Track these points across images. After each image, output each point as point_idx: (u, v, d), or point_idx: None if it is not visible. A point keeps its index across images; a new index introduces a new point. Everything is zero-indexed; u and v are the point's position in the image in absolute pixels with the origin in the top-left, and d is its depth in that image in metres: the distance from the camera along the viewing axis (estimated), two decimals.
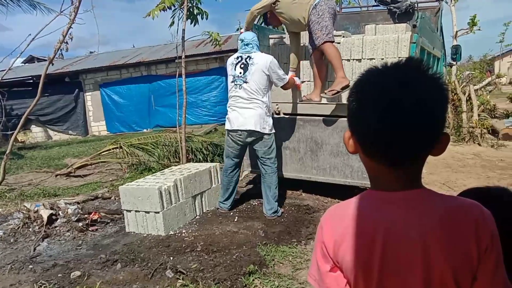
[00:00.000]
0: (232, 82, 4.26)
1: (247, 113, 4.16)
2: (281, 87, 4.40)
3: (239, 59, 4.26)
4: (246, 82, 4.16)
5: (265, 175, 4.35)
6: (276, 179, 4.35)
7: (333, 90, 4.30)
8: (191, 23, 5.84)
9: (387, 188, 0.94)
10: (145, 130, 14.30)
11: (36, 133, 15.43)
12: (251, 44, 4.27)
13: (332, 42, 4.35)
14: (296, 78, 4.69)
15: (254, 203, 4.80)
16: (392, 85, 0.88)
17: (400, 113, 0.85)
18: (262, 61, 4.17)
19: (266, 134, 4.23)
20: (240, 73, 4.20)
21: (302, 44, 5.13)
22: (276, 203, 4.36)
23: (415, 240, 0.88)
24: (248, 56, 4.22)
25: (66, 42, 5.45)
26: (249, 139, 4.25)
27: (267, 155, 4.30)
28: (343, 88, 4.26)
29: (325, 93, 4.39)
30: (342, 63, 4.41)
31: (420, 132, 0.87)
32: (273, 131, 4.32)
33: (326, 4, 4.37)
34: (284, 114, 4.91)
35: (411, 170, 0.93)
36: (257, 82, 4.15)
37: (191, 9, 5.75)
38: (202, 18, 5.89)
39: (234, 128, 4.24)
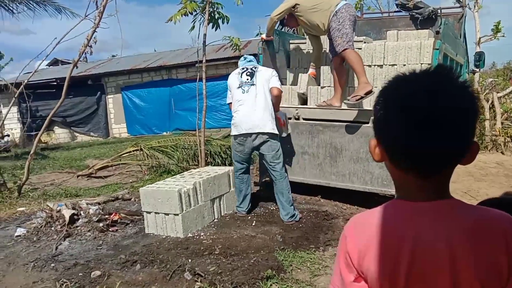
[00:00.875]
0: (238, 88, 4.32)
1: (254, 115, 4.20)
2: (273, 98, 4.33)
3: (244, 69, 4.39)
4: (253, 85, 4.26)
5: (276, 182, 4.34)
6: (287, 184, 4.36)
7: (357, 95, 4.28)
8: (212, 27, 5.89)
9: (415, 198, 0.92)
10: (165, 133, 14.45)
11: (59, 134, 15.76)
12: (253, 61, 4.52)
13: (353, 49, 4.36)
14: (281, 113, 4.62)
15: (271, 208, 4.79)
16: (421, 94, 0.85)
17: (430, 125, 0.83)
18: (267, 71, 4.40)
19: (275, 134, 4.26)
20: (247, 79, 4.31)
21: (323, 48, 5.15)
22: (292, 207, 4.36)
23: (443, 252, 0.86)
24: (254, 66, 4.40)
25: (90, 46, 5.56)
26: (256, 142, 4.25)
27: (276, 160, 4.30)
28: (367, 94, 4.25)
29: (349, 99, 4.39)
30: (364, 68, 4.39)
31: (450, 143, 0.85)
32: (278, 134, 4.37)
33: (346, 11, 4.38)
34: (304, 119, 4.90)
35: (440, 180, 0.91)
36: (264, 87, 4.26)
37: (212, 14, 5.80)
38: (223, 23, 5.94)
39: (242, 133, 4.25)
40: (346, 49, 4.30)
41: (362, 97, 4.28)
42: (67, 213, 4.35)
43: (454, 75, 0.89)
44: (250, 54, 4.89)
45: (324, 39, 5.08)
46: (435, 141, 0.84)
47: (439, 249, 0.86)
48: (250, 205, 4.62)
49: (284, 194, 4.30)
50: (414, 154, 0.87)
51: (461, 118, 0.85)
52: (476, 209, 0.93)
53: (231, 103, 4.47)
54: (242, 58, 4.58)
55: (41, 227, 4.33)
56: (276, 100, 4.38)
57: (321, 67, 5.07)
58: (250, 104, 4.22)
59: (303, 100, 5.18)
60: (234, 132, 4.34)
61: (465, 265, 0.85)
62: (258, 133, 4.20)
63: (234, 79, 4.40)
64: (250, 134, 4.22)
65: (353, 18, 4.44)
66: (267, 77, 4.30)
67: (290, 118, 4.90)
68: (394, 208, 0.96)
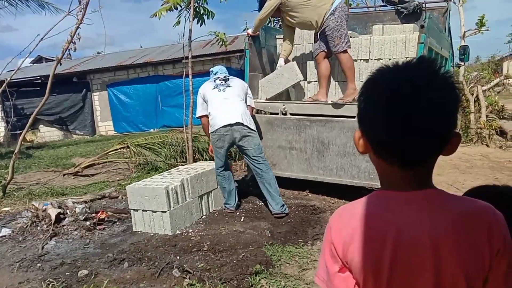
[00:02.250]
0: (213, 89, 4.38)
1: (232, 109, 4.25)
2: (249, 109, 4.49)
3: (216, 78, 4.50)
4: (229, 86, 4.37)
5: (261, 174, 4.33)
6: (273, 174, 4.40)
7: (345, 100, 4.36)
8: (197, 23, 5.86)
9: (398, 188, 0.93)
10: (152, 130, 14.35)
11: (44, 133, 15.54)
12: (219, 72, 4.60)
13: (349, 50, 4.46)
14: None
15: (260, 203, 4.80)
16: (403, 86, 0.86)
17: (412, 116, 0.84)
18: (240, 80, 4.55)
19: (253, 130, 4.30)
20: (221, 82, 4.41)
21: (302, 45, 5.17)
22: (281, 197, 4.38)
23: (427, 241, 0.87)
24: (225, 75, 4.51)
25: (74, 42, 5.48)
26: (236, 135, 4.24)
27: (258, 153, 4.32)
28: (354, 101, 4.30)
29: (337, 101, 4.47)
30: (355, 74, 4.47)
31: (432, 134, 0.86)
32: (256, 131, 4.42)
33: (343, 10, 4.42)
34: (291, 114, 4.91)
35: (423, 170, 0.92)
36: (239, 89, 4.38)
37: (197, 9, 5.76)
38: (208, 18, 5.91)
39: (223, 125, 4.20)
40: (345, 50, 4.37)
41: (349, 103, 4.37)
42: (53, 212, 4.30)
43: (436, 67, 0.89)
44: (237, 50, 4.89)
45: (300, 32, 5.08)
46: (417, 133, 0.85)
47: (423, 238, 0.87)
48: (237, 200, 4.61)
49: (272, 185, 4.31)
50: (397, 145, 0.88)
51: (443, 109, 0.86)
52: (460, 199, 0.94)
53: (205, 115, 4.41)
54: (214, 69, 4.68)
55: (26, 227, 4.27)
56: (252, 111, 4.68)
57: (307, 62, 5.07)
58: (229, 100, 4.29)
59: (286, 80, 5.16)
60: (214, 127, 4.27)
61: (449, 255, 0.86)
62: (236, 124, 4.19)
63: (207, 85, 4.49)
64: (231, 125, 4.20)
65: (347, 17, 4.53)
66: (242, 86, 4.47)
67: (277, 113, 4.91)
68: (378, 199, 0.97)
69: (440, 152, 0.90)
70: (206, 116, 4.39)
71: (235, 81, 4.48)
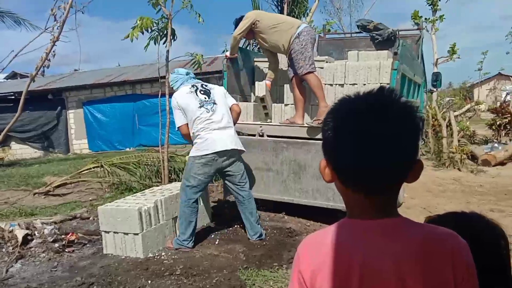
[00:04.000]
0: (200, 107, 3.98)
1: (227, 133, 4.03)
2: (235, 114, 4.27)
3: (194, 87, 4.10)
4: (215, 104, 4.04)
5: (244, 202, 4.19)
6: (254, 203, 4.29)
7: (318, 119, 4.41)
8: (163, 44, 5.90)
9: (363, 216, 0.94)
10: (128, 149, 14.15)
11: (16, 150, 15.12)
12: (189, 78, 4.21)
13: (314, 72, 4.48)
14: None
15: (235, 226, 4.74)
16: (363, 115, 0.88)
17: (373, 145, 0.86)
18: (219, 88, 4.26)
19: (242, 152, 4.18)
20: (205, 98, 4.04)
21: (278, 62, 5.23)
22: (260, 226, 4.32)
23: (391, 270, 0.87)
24: (202, 84, 4.17)
25: (49, 60, 5.41)
26: (226, 163, 4.03)
27: (244, 179, 4.20)
28: None
29: (311, 123, 4.50)
30: (324, 92, 4.52)
31: (393, 162, 0.87)
32: None
33: (308, 34, 4.53)
34: (268, 136, 4.92)
35: (386, 198, 0.93)
36: (224, 105, 4.12)
37: (165, 31, 5.79)
38: (174, 40, 5.94)
39: (214, 151, 3.91)
40: (309, 72, 4.43)
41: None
42: (20, 233, 4.14)
43: (396, 96, 0.91)
44: (215, 71, 4.80)
45: (281, 56, 5.17)
46: (377, 160, 0.86)
47: (387, 267, 0.88)
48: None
49: (253, 214, 4.23)
50: (358, 173, 0.89)
51: (403, 136, 0.88)
52: (424, 227, 0.95)
53: (185, 124, 4.05)
54: (179, 75, 4.20)
55: None
56: (237, 116, 4.33)
57: (284, 85, 5.14)
58: (218, 124, 3.99)
59: (263, 105, 5.22)
60: (205, 151, 3.91)
61: (413, 284, 0.86)
62: (231, 150, 4.00)
63: (189, 98, 4.02)
64: (223, 153, 3.96)
65: (313, 41, 4.65)
66: (222, 94, 4.19)
67: (254, 135, 4.92)
68: (344, 228, 0.97)
69: (404, 179, 0.92)
70: (186, 124, 4.06)
71: (216, 94, 4.12)
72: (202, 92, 4.09)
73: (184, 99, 4.03)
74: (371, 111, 0.88)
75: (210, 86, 4.21)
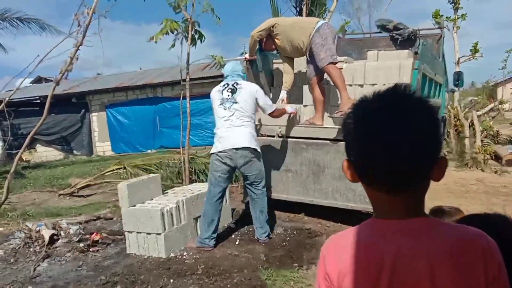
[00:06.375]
0: (220, 105, 4.14)
1: (240, 131, 4.06)
2: (269, 114, 4.37)
3: (226, 85, 4.22)
4: (235, 103, 4.10)
5: (256, 199, 4.24)
6: (266, 202, 4.31)
7: (341, 111, 4.35)
8: (191, 46, 5.98)
9: (389, 216, 0.93)
10: (149, 151, 14.34)
11: (41, 152, 15.51)
12: (231, 75, 4.28)
13: (336, 63, 4.44)
14: (288, 107, 4.56)
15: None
16: (379, 113, 0.89)
17: (392, 143, 0.86)
18: (250, 87, 4.24)
19: (258, 152, 4.16)
20: (228, 96, 4.14)
21: (295, 71, 5.20)
22: (268, 225, 4.34)
23: (423, 271, 0.87)
24: (235, 82, 4.22)
25: (72, 64, 5.54)
26: (240, 161, 4.06)
27: (259, 179, 4.21)
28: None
29: (335, 114, 4.45)
30: (345, 84, 4.47)
31: (414, 159, 0.87)
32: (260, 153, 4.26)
33: (328, 28, 4.51)
34: (287, 137, 4.94)
35: (412, 197, 0.92)
36: (246, 104, 4.12)
37: (193, 33, 5.88)
38: (200, 41, 6.02)
39: (226, 148, 4.03)
40: (331, 62, 4.38)
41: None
42: (46, 233, 4.27)
43: (411, 91, 0.92)
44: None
45: (299, 61, 5.15)
46: (398, 159, 0.86)
47: (419, 268, 0.87)
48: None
49: (263, 212, 4.27)
50: (379, 172, 0.89)
51: (420, 131, 0.88)
52: (453, 227, 0.95)
53: None
54: (227, 68, 4.36)
55: (19, 248, 4.23)
56: (275, 115, 4.41)
57: (303, 86, 5.14)
58: (233, 122, 4.08)
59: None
60: (217, 148, 4.10)
61: (445, 284, 0.86)
62: (242, 148, 4.03)
63: (215, 95, 4.23)
64: (234, 150, 4.03)
65: (334, 35, 4.57)
66: (249, 93, 4.15)
67: (273, 136, 4.94)
68: (371, 228, 0.97)
69: (425, 178, 0.91)
70: None
71: (243, 92, 4.14)
72: (229, 90, 4.17)
73: (212, 95, 4.28)
74: (386, 108, 0.89)
75: (242, 84, 4.22)
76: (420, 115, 0.89)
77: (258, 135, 4.61)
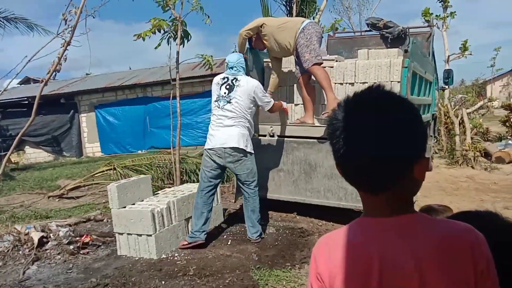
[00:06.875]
0: (215, 101, 4.20)
1: (229, 131, 4.07)
2: (268, 110, 4.41)
3: (225, 79, 4.24)
4: (229, 102, 4.11)
5: (248, 199, 4.25)
6: (258, 201, 4.30)
7: (327, 112, 4.36)
8: (176, 44, 5.94)
9: (377, 214, 0.94)
10: (139, 152, 14.24)
11: (30, 154, 15.33)
12: (235, 67, 4.26)
13: (321, 64, 4.44)
14: (283, 102, 4.68)
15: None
16: (357, 115, 0.91)
17: (367, 144, 0.87)
18: (248, 84, 4.18)
19: (248, 152, 4.13)
20: (225, 93, 4.16)
21: (283, 70, 5.19)
22: (260, 225, 4.33)
23: (412, 268, 0.87)
24: (235, 78, 4.21)
25: (60, 64, 5.48)
26: (229, 160, 4.08)
27: (250, 178, 4.21)
28: None
29: (321, 116, 4.47)
30: (331, 84, 4.48)
31: (390, 159, 0.87)
32: (253, 153, 4.23)
33: (313, 28, 4.50)
34: (278, 136, 4.92)
35: (394, 195, 0.92)
36: (241, 103, 4.12)
37: (182, 33, 5.83)
38: (187, 41, 5.98)
39: (215, 147, 4.09)
40: (315, 64, 4.38)
41: None
42: (35, 236, 4.21)
43: (386, 90, 0.93)
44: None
45: (286, 60, 5.14)
46: (373, 159, 0.87)
47: (408, 265, 0.87)
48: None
49: (255, 212, 4.26)
50: (358, 172, 0.91)
51: (394, 129, 0.88)
52: (441, 222, 0.95)
53: None
54: (225, 62, 4.36)
55: (7, 251, 4.16)
56: (274, 110, 4.47)
57: (294, 85, 5.13)
58: (225, 121, 4.09)
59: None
60: (207, 145, 4.16)
61: (434, 280, 0.86)
62: (230, 148, 4.04)
63: (214, 88, 4.26)
64: (223, 149, 4.05)
65: (319, 34, 4.56)
66: (246, 91, 4.13)
67: (264, 135, 4.92)
68: (359, 227, 0.98)
69: (405, 175, 0.91)
70: None
71: (239, 90, 4.13)
72: (227, 86, 4.19)
73: (212, 86, 4.32)
74: (362, 109, 0.91)
75: (241, 81, 4.19)
76: (396, 114, 0.90)
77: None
